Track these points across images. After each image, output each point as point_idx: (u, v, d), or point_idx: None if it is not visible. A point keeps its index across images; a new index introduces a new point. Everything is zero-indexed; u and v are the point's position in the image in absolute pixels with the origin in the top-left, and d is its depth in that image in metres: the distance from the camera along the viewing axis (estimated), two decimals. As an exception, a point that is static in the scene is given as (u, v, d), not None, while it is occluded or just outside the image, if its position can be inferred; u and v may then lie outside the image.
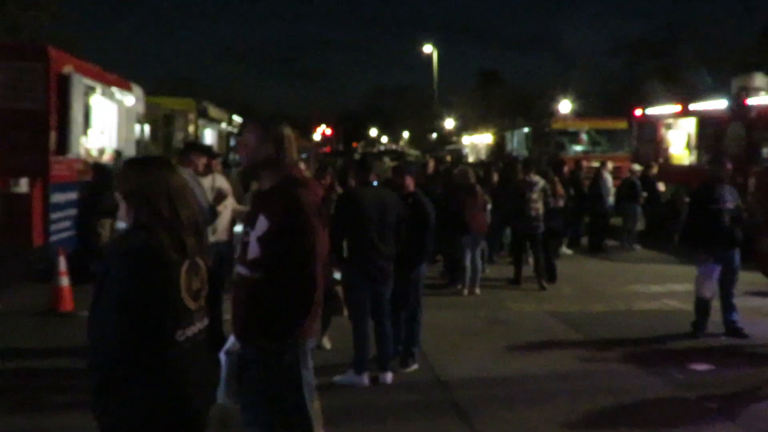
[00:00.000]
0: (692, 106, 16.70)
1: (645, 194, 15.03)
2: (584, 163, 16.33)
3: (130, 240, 2.70)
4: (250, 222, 3.29)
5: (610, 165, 16.36)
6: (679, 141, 17.68)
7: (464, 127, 53.93)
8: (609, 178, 15.90)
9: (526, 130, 28.62)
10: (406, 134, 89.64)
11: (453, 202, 10.36)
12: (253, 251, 3.20)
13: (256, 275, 3.19)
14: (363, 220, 6.23)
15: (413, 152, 59.13)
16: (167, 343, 2.68)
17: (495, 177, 13.60)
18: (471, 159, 38.21)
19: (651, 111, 18.76)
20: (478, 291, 10.44)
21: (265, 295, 3.15)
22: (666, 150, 17.97)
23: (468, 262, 10.40)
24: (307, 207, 3.19)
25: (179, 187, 2.83)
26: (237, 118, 32.83)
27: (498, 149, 32.55)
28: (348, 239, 6.31)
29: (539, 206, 11.04)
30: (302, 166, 9.06)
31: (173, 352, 2.69)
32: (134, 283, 2.59)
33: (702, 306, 8.20)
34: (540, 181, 11.22)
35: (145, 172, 2.81)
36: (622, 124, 23.44)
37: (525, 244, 11.58)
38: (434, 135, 67.85)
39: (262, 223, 3.20)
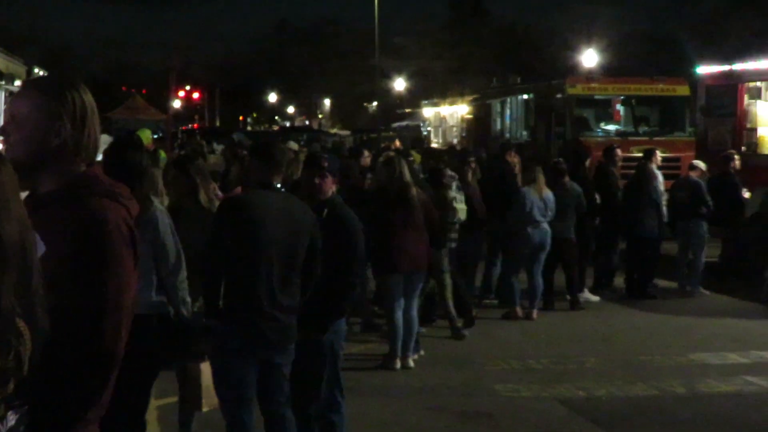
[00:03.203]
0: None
1: (711, 203, 15.33)
2: (618, 152, 16.51)
3: None
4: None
5: (659, 156, 16.66)
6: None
7: (424, 91, 54.38)
8: (660, 178, 16.19)
9: (525, 96, 28.98)
10: (327, 103, 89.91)
11: (377, 220, 10.40)
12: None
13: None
14: (254, 248, 6.27)
15: (340, 132, 59.39)
16: None
17: (470, 175, 13.70)
18: (435, 143, 38.50)
19: (731, 68, 19.19)
20: (411, 363, 10.64)
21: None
22: (754, 131, 18.38)
23: (397, 318, 10.49)
24: (113, 229, 3.14)
25: None
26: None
27: (479, 128, 32.85)
28: (227, 280, 6.37)
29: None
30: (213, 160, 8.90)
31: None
32: None
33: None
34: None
35: None
36: (681, 89, 24.00)
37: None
38: (374, 105, 68.29)
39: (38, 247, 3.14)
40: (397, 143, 38.51)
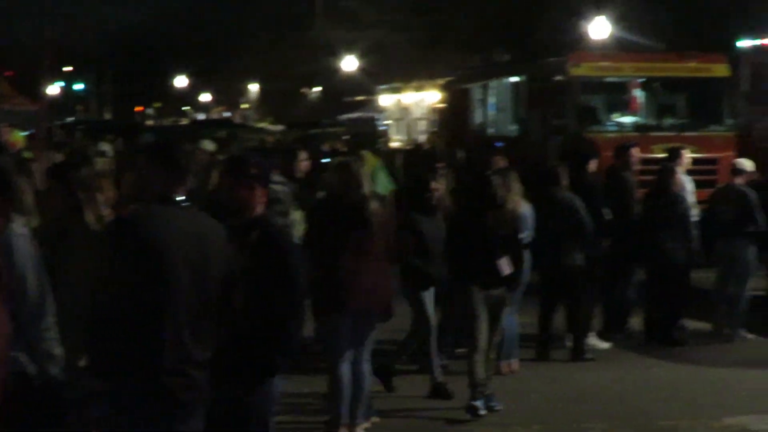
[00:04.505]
0: None
1: (763, 220, 15.44)
2: (635, 152, 16.66)
3: None
4: None
5: (688, 156, 16.81)
6: None
7: (383, 73, 54.42)
8: (689, 185, 16.34)
9: (515, 79, 29.10)
10: (254, 89, 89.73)
11: (321, 242, 10.52)
12: None
13: None
14: (155, 282, 6.23)
15: (270, 126, 59.34)
16: None
17: (442, 184, 13.78)
18: (396, 141, 38.62)
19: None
20: None
21: None
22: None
23: (342, 373, 10.53)
24: None
25: None
26: None
27: (455, 120, 32.97)
28: (120, 327, 6.25)
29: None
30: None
31: None
32: None
33: None
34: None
35: None
36: (719, 69, 24.14)
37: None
38: (316, 90, 68.34)
39: None
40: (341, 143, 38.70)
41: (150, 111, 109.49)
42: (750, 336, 15.52)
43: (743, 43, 20.52)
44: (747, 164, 16.04)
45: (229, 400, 6.84)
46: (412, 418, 11.51)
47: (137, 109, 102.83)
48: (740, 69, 20.81)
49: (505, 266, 11.26)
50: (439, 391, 12.21)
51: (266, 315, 6.92)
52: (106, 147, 28.24)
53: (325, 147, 32.27)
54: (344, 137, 40.78)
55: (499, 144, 23.85)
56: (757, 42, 20.08)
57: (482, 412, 11.40)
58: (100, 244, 6.83)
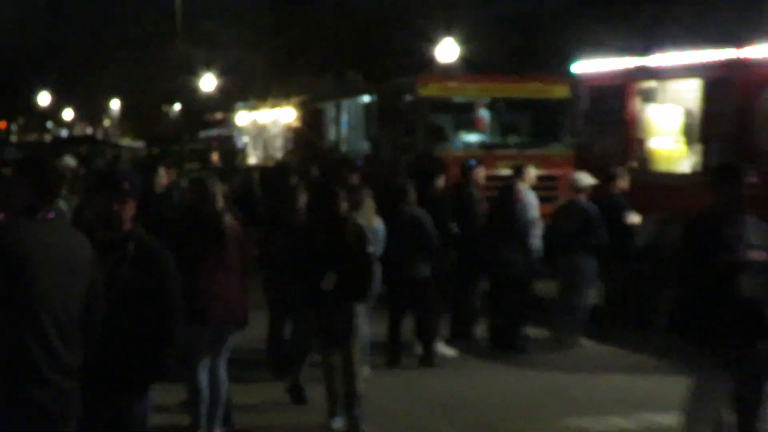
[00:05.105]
0: (693, 57, 17.63)
1: (604, 235, 15.67)
2: (478, 173, 16.81)
3: None
4: None
5: (533, 173, 17.02)
6: (671, 124, 18.65)
7: (240, 90, 54.31)
8: (533, 200, 16.58)
9: (366, 99, 29.18)
10: (115, 106, 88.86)
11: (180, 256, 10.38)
12: None
13: None
14: (23, 293, 6.13)
15: (132, 143, 58.89)
16: None
17: (303, 200, 13.80)
18: (253, 158, 38.55)
19: (614, 65, 19.64)
20: None
21: None
22: (645, 142, 18.83)
23: (201, 381, 10.56)
24: None
25: None
26: None
27: (310, 137, 33.01)
28: None
29: None
30: None
31: None
32: None
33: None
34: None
35: None
36: (560, 90, 24.63)
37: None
38: (177, 108, 67.93)
39: None
40: (215, 157, 38.53)
41: (14, 127, 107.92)
42: (588, 343, 15.77)
43: (579, 66, 20.71)
44: (586, 178, 16.12)
45: (110, 409, 6.81)
46: (267, 423, 11.52)
47: (1, 125, 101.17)
48: (579, 90, 21.02)
49: (328, 281, 11.15)
50: (298, 396, 12.30)
51: (148, 324, 6.88)
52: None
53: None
54: (215, 153, 40.71)
55: (360, 162, 24.04)
56: (592, 65, 20.31)
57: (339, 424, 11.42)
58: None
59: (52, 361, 6.17)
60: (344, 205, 11.45)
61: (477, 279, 16.02)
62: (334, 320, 11.22)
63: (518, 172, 16.58)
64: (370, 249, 11.56)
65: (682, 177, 17.50)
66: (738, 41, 16.84)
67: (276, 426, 11.57)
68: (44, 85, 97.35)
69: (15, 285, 6.13)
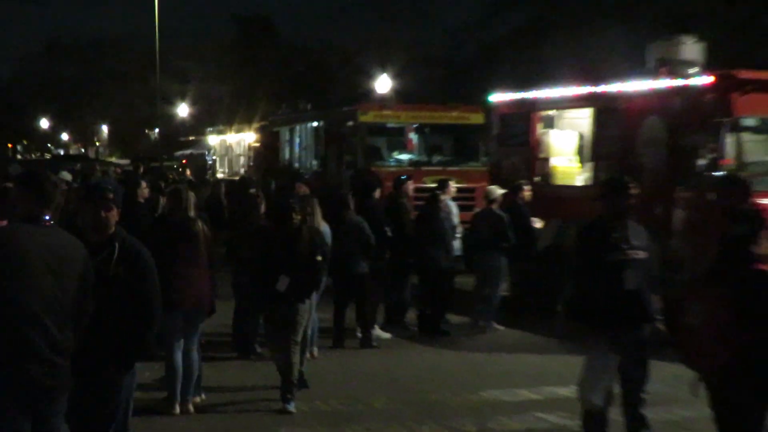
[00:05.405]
0: (586, 90, 17.76)
1: (513, 238, 15.75)
2: (408, 186, 16.84)
3: None
4: None
5: (453, 186, 17.09)
6: (568, 146, 18.79)
7: (210, 117, 54.20)
8: (454, 209, 16.64)
9: (315, 124, 29.21)
10: (104, 129, 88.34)
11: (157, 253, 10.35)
12: None
13: None
14: (20, 287, 6.06)
15: (119, 161, 58.50)
16: None
17: (262, 208, 13.78)
18: (220, 173, 38.41)
19: (523, 95, 19.73)
20: (192, 408, 10.66)
21: None
22: (546, 160, 18.96)
23: (176, 359, 10.51)
24: None
25: None
26: None
27: (267, 157, 33.01)
28: None
29: None
30: None
31: None
32: None
33: (592, 421, 8.77)
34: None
35: None
36: (476, 117, 24.81)
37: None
38: (156, 131, 67.48)
39: None
40: (188, 173, 38.34)
41: (19, 147, 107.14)
42: (500, 328, 15.79)
43: (493, 98, 20.80)
44: (497, 190, 16.29)
45: (103, 382, 6.80)
46: (233, 394, 11.47)
47: (8, 145, 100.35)
48: (492, 117, 21.14)
49: (281, 284, 11.03)
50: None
51: (132, 310, 6.88)
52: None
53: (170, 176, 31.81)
54: (188, 169, 40.61)
55: (308, 176, 24.11)
56: (503, 97, 20.40)
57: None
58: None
59: (49, 344, 6.12)
60: (297, 218, 11.40)
61: (407, 274, 16.03)
62: (282, 315, 11.16)
63: (441, 185, 16.63)
64: (319, 258, 11.47)
65: (577, 189, 17.57)
66: (622, 77, 17.03)
67: (239, 394, 11.48)
68: (44, 113, 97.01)
69: (18, 280, 6.09)
